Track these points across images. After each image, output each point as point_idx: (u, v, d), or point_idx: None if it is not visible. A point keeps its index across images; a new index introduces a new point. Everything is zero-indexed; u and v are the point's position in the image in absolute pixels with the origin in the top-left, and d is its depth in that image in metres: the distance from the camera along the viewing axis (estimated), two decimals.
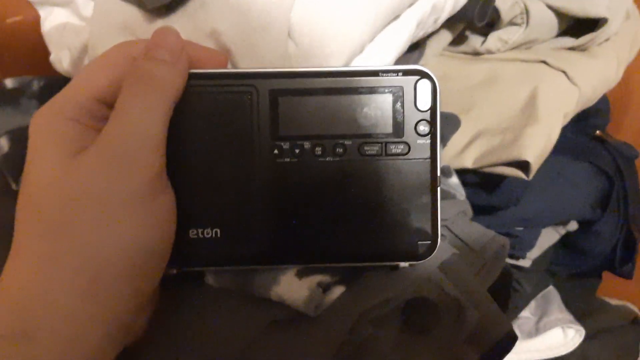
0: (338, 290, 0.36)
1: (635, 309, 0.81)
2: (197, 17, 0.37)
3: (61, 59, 0.45)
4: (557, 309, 0.72)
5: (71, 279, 0.27)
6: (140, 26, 0.38)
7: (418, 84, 0.33)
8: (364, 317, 0.36)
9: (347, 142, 0.33)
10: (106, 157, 0.28)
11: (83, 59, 0.44)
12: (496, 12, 0.51)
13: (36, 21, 0.49)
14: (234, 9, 0.36)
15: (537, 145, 0.47)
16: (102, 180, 0.28)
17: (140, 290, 0.29)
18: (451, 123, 0.48)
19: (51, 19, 0.47)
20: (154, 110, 0.29)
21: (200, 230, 0.33)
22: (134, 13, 0.38)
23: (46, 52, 0.47)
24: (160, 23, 0.38)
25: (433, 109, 0.33)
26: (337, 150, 0.33)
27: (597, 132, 0.67)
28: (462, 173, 0.53)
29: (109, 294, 0.28)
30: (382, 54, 0.41)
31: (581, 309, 0.77)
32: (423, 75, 0.33)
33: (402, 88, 0.33)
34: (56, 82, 0.50)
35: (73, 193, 0.28)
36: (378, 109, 0.33)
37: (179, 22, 0.38)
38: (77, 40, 0.44)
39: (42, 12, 0.49)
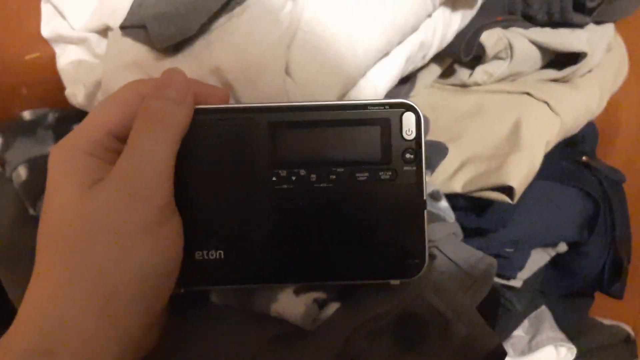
0: (333, 306, 0.39)
1: (628, 328, 0.82)
2: (202, 56, 0.40)
3: (76, 94, 0.48)
4: (550, 328, 0.73)
5: (87, 303, 0.29)
6: (150, 64, 0.41)
7: (404, 116, 0.36)
8: (358, 331, 0.38)
9: (340, 169, 0.36)
10: (119, 190, 0.30)
11: (96, 94, 0.46)
12: (481, 47, 0.54)
13: (52, 57, 0.51)
14: (235, 49, 0.39)
15: (521, 172, 0.50)
16: (115, 211, 0.30)
17: (151, 309, 0.31)
18: (439, 151, 0.51)
19: (66, 56, 0.50)
20: (163, 144, 0.32)
21: (205, 252, 0.36)
22: (144, 52, 0.41)
23: (61, 87, 0.49)
24: (168, 61, 0.41)
25: (418, 138, 0.36)
26: (331, 176, 0.36)
27: (584, 157, 0.70)
28: (452, 197, 0.55)
29: (122, 315, 0.30)
30: (374, 87, 0.44)
31: (574, 328, 0.77)
32: (408, 108, 0.36)
33: (389, 120, 0.36)
34: (70, 114, 0.52)
35: (89, 223, 0.30)
36: (367, 139, 0.36)
37: (186, 60, 0.40)
38: (91, 76, 0.46)
39: (58, 50, 0.52)
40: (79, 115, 0.50)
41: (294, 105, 0.36)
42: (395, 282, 0.38)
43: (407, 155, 0.36)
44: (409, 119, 0.36)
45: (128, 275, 0.30)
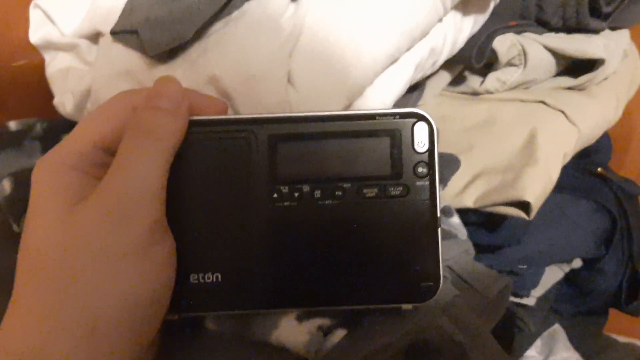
0: (339, 334, 0.36)
1: None
2: (197, 63, 0.38)
3: (64, 103, 0.46)
4: (564, 348, 0.71)
5: (70, 332, 0.27)
6: (142, 72, 0.39)
7: (415, 127, 0.33)
8: None
9: (346, 185, 0.33)
10: (105, 208, 0.28)
11: (86, 103, 0.44)
12: (494, 53, 0.51)
13: (41, 65, 0.50)
14: (233, 56, 0.36)
15: (538, 186, 0.47)
16: (100, 232, 0.28)
17: (140, 339, 0.29)
18: (451, 164, 0.48)
19: (55, 63, 0.48)
20: (154, 160, 0.29)
21: (201, 275, 0.33)
22: (136, 59, 0.39)
23: (50, 95, 0.48)
24: (162, 69, 0.39)
25: (431, 150, 0.33)
26: (337, 193, 0.33)
27: (599, 169, 0.67)
28: (463, 212, 0.52)
29: (108, 346, 0.27)
30: (381, 96, 0.42)
31: (588, 347, 0.75)
32: (420, 117, 0.33)
33: (399, 131, 0.33)
34: (59, 124, 0.51)
35: (71, 245, 0.28)
36: (376, 151, 0.33)
37: (180, 68, 0.38)
38: (80, 85, 0.45)
39: (47, 56, 0.50)
40: (68, 125, 0.49)
41: (296, 116, 0.34)
42: (407, 306, 0.35)
43: (420, 169, 0.33)
44: (421, 129, 0.33)
45: (114, 303, 0.27)
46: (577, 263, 0.68)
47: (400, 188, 0.33)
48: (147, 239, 0.29)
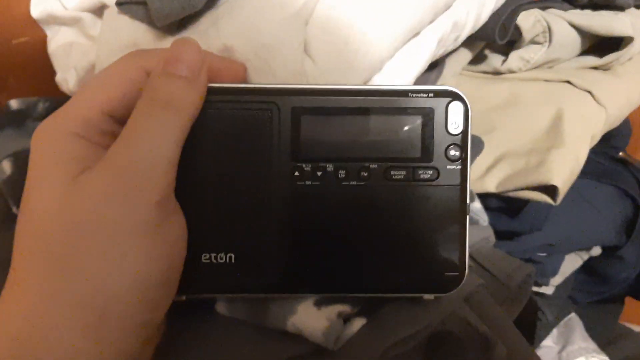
0: (358, 323, 0.34)
1: None
2: (208, 34, 0.35)
3: (67, 80, 0.44)
4: (580, 338, 0.69)
5: (76, 315, 0.25)
6: (149, 45, 0.37)
7: (450, 106, 0.31)
8: (386, 354, 0.33)
9: (373, 166, 0.31)
10: (112, 181, 0.26)
11: None
12: (518, 30, 0.49)
13: (42, 41, 0.48)
14: (246, 25, 0.34)
15: (565, 169, 0.45)
16: (107, 206, 0.25)
17: (148, 322, 0.27)
18: (474, 146, 0.46)
19: (57, 39, 0.47)
20: (168, 133, 0.27)
21: (213, 255, 0.31)
22: (143, 32, 0.37)
23: (52, 73, 0.46)
24: (170, 41, 0.36)
25: (465, 132, 0.31)
26: (362, 174, 0.31)
27: (621, 153, 0.65)
28: (483, 197, 0.50)
29: (116, 330, 0.26)
30: (402, 72, 0.39)
31: (604, 336, 0.74)
32: (455, 97, 0.31)
33: (432, 110, 0.31)
34: (62, 103, 0.48)
35: (76, 220, 0.25)
36: (406, 131, 0.31)
37: None
38: (84, 60, 0.43)
39: (49, 32, 0.48)
40: None
41: (323, 88, 0.31)
42: (429, 296, 0.34)
43: (452, 152, 0.32)
44: (455, 109, 0.31)
45: (123, 284, 0.26)
46: (596, 251, 0.66)
47: (430, 172, 0.32)
48: (156, 216, 0.26)
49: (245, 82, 0.34)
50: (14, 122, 0.47)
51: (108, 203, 0.25)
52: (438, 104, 0.31)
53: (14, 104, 0.48)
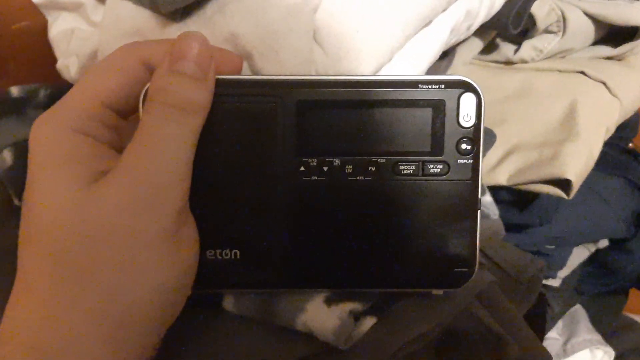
0: (369, 322, 0.33)
1: None
2: (213, 21, 0.34)
3: (69, 66, 0.43)
4: (585, 330, 0.69)
5: (94, 326, 0.24)
6: (153, 32, 0.36)
7: (462, 98, 0.30)
8: (397, 353, 0.33)
9: (381, 160, 0.30)
10: (130, 191, 0.25)
11: None
12: (531, 19, 0.48)
13: (43, 27, 0.47)
14: (254, 11, 0.33)
15: (579, 163, 0.44)
16: (126, 218, 0.25)
17: (164, 327, 0.27)
18: (486, 139, 0.45)
19: (58, 24, 0.45)
20: (185, 136, 0.26)
21: (218, 251, 0.31)
22: (147, 18, 0.36)
23: (53, 59, 0.45)
24: (175, 28, 0.35)
25: (477, 126, 0.30)
26: (370, 168, 0.30)
27: (630, 144, 0.64)
28: (492, 189, 0.49)
29: (134, 338, 0.25)
30: (413, 62, 0.38)
31: (608, 327, 0.73)
32: (468, 87, 0.30)
33: (443, 102, 0.30)
34: (64, 90, 0.47)
35: (92, 232, 0.24)
36: (416, 124, 0.30)
37: (195, 26, 0.35)
38: (85, 47, 0.41)
39: (50, 17, 0.47)
40: None
41: (329, 80, 0.30)
42: (437, 291, 0.33)
43: (463, 146, 0.30)
44: (468, 101, 0.30)
45: (142, 294, 0.25)
46: (604, 242, 0.65)
47: (441, 166, 0.31)
48: (173, 226, 0.26)
49: (240, 74, 0.32)
50: (14, 110, 0.46)
51: (126, 214, 0.25)
52: (450, 95, 0.30)
53: (14, 91, 0.47)
